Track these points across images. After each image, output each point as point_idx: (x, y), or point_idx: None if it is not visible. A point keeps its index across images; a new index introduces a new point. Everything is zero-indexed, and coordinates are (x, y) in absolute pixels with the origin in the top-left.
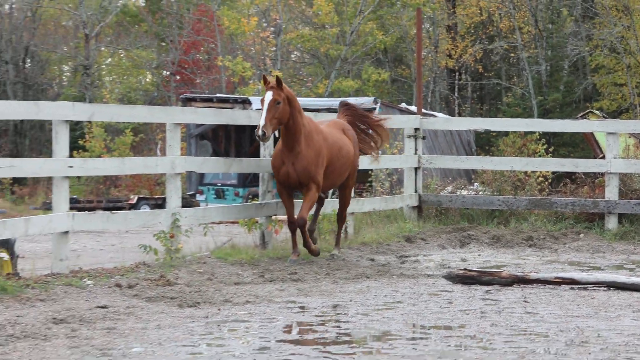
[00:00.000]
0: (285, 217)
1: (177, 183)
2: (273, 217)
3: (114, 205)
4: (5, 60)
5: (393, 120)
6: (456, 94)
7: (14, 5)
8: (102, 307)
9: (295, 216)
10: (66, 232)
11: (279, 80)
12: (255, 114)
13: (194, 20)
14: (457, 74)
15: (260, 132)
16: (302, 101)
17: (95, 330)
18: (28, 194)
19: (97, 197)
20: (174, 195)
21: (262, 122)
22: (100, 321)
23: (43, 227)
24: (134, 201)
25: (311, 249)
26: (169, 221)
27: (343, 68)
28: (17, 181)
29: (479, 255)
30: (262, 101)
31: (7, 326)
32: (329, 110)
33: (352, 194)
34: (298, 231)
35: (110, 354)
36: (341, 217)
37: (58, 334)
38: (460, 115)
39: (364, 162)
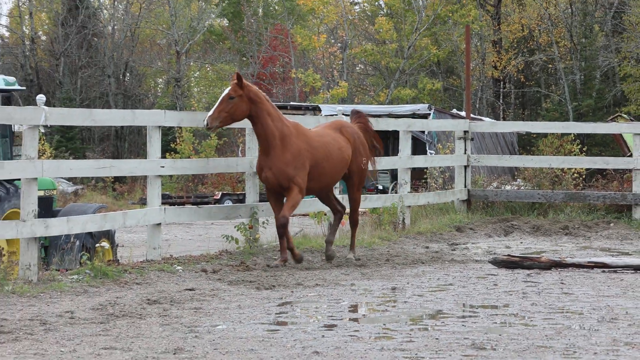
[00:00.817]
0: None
1: (255, 180)
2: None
3: (201, 200)
4: (108, 75)
5: (447, 124)
6: (501, 101)
7: (115, 27)
8: (190, 290)
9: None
10: (159, 224)
11: (238, 77)
12: (324, 119)
13: (271, 37)
14: (501, 83)
15: (205, 122)
16: (366, 108)
17: (184, 310)
18: (127, 190)
19: (186, 193)
20: (252, 191)
21: (210, 113)
22: (188, 302)
23: (139, 219)
24: (218, 197)
25: (294, 252)
26: (248, 214)
27: (401, 79)
28: (118, 179)
29: (521, 242)
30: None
31: (108, 306)
32: (389, 115)
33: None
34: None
35: (197, 331)
36: (352, 219)
37: (152, 313)
38: (504, 119)
39: (419, 161)
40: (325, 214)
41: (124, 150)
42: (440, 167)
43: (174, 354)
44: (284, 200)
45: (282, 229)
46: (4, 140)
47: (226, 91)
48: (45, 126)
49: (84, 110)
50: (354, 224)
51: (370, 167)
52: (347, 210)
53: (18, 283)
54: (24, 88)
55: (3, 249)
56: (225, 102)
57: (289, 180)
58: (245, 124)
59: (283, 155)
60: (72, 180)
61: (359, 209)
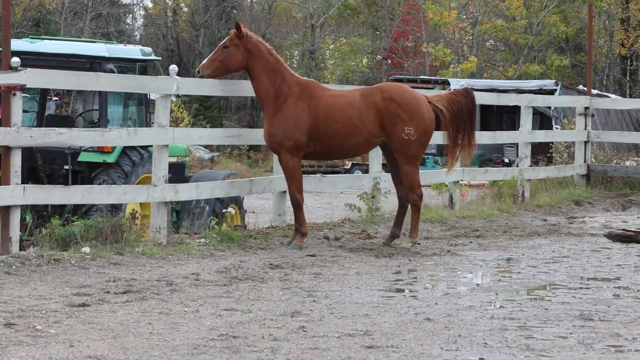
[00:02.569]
0: (477, 183)
1: (379, 151)
2: (460, 182)
3: (331, 170)
4: None
5: (567, 100)
6: (628, 78)
7: (253, 0)
8: (311, 256)
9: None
10: (284, 192)
11: (237, 26)
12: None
13: (403, 12)
14: (629, 60)
15: (197, 70)
16: (493, 82)
17: (304, 275)
18: (261, 158)
19: (317, 162)
20: (375, 162)
21: (204, 61)
22: (309, 267)
23: (265, 187)
24: (349, 166)
25: (302, 232)
26: (371, 184)
27: (530, 55)
28: (253, 148)
29: (638, 217)
30: None
31: (232, 269)
32: (517, 90)
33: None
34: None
35: (315, 295)
36: (410, 199)
37: (273, 277)
38: (631, 96)
39: (540, 136)
40: (447, 185)
41: (259, 119)
42: (565, 142)
43: (292, 316)
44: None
45: (295, 209)
46: (140, 108)
47: (222, 42)
48: (177, 95)
49: (213, 81)
50: (412, 204)
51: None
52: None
53: (148, 245)
54: (159, 58)
55: (137, 212)
56: (220, 51)
57: (278, 144)
58: None
59: (274, 117)
60: (208, 147)
61: (419, 190)
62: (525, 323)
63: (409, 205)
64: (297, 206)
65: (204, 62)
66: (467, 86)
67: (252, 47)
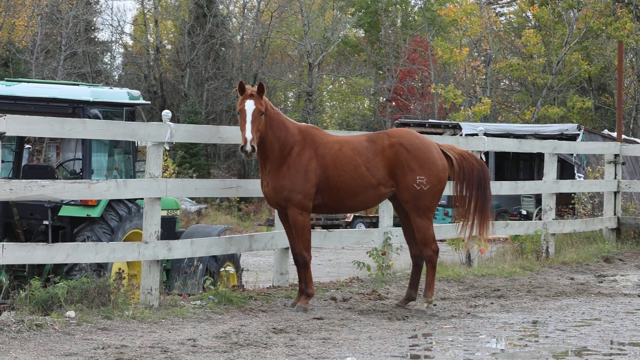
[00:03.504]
0: (493, 237)
1: (389, 203)
2: (478, 236)
3: (331, 223)
4: (235, 87)
5: (596, 146)
6: None
7: (244, 36)
8: (318, 319)
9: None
10: (287, 248)
11: (261, 88)
12: (464, 139)
13: (409, 50)
14: None
15: (249, 147)
16: (510, 127)
17: (311, 340)
18: (253, 210)
19: (316, 215)
20: (386, 215)
21: (248, 135)
22: (316, 332)
23: (266, 243)
24: (350, 219)
25: (308, 294)
26: (381, 239)
27: (549, 96)
28: (244, 199)
29: None
30: (242, 111)
31: (232, 334)
32: (535, 135)
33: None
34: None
35: None
36: (424, 255)
37: (277, 342)
38: None
39: (566, 186)
40: (463, 240)
41: (251, 168)
42: (589, 193)
43: None
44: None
45: (301, 268)
46: (127, 157)
47: (252, 106)
48: (170, 143)
49: (211, 127)
50: (427, 260)
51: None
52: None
53: (139, 308)
54: (149, 102)
55: (123, 271)
56: (258, 119)
57: (286, 199)
58: None
59: (279, 170)
60: (195, 199)
61: (434, 245)
62: None
63: (424, 263)
64: (305, 265)
65: (249, 135)
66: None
67: (267, 104)
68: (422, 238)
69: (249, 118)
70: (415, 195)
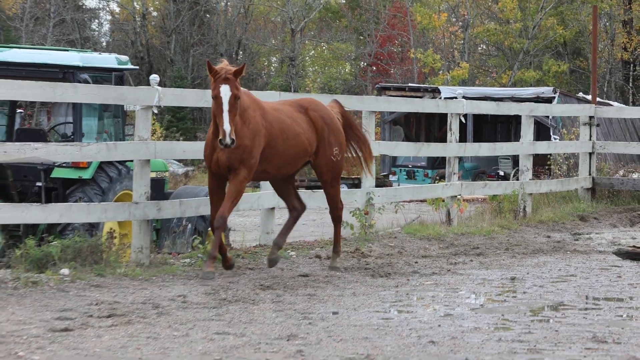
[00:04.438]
0: (470, 197)
1: (373, 165)
2: (458, 197)
3: (315, 184)
4: (220, 53)
5: (571, 109)
6: (631, 84)
7: (228, 3)
8: (303, 276)
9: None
10: (272, 208)
11: (238, 71)
12: (443, 102)
13: (389, 16)
14: (632, 65)
15: (228, 140)
16: (487, 90)
17: (297, 296)
18: None
19: (300, 176)
20: (368, 176)
21: (227, 127)
22: (302, 288)
23: (252, 203)
24: None
25: (226, 257)
26: (363, 199)
27: (525, 60)
28: None
29: None
30: (217, 97)
31: (221, 291)
32: (512, 99)
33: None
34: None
35: (310, 318)
36: (334, 216)
37: (265, 298)
38: (634, 104)
39: (542, 147)
40: (444, 200)
41: None
42: (564, 154)
43: (288, 340)
44: (227, 188)
45: (217, 231)
46: (116, 121)
47: (227, 92)
48: (158, 107)
49: (197, 91)
50: (336, 221)
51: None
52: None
53: (130, 266)
54: (137, 67)
55: (115, 230)
56: (235, 107)
57: (240, 161)
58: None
59: (241, 131)
60: (182, 161)
61: (340, 205)
62: (535, 346)
63: (333, 220)
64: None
65: (227, 127)
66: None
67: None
68: (334, 203)
69: (225, 107)
70: (331, 167)
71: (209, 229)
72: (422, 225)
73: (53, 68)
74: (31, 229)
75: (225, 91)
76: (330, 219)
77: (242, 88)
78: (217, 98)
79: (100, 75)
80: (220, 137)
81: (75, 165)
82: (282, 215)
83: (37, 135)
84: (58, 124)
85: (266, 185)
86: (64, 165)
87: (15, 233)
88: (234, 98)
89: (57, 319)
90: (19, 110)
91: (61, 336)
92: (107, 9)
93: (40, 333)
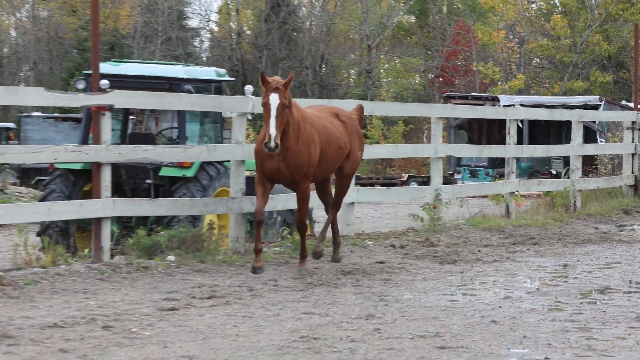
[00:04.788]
0: (527, 193)
1: (439, 165)
2: (516, 193)
3: (389, 182)
4: (305, 66)
5: (616, 115)
6: None
7: (313, 23)
8: (379, 263)
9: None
10: (352, 203)
11: (287, 82)
12: (502, 109)
13: (454, 33)
14: None
15: (272, 144)
16: (540, 99)
17: (374, 281)
18: None
19: (375, 175)
20: (436, 174)
21: (272, 132)
22: (378, 274)
23: None
24: (405, 178)
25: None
26: (432, 195)
27: (574, 72)
28: None
29: None
30: (266, 105)
31: (307, 276)
32: (563, 106)
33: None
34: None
35: (386, 300)
36: (336, 206)
37: (346, 282)
38: None
39: (590, 149)
40: (503, 196)
41: None
42: (609, 155)
43: (366, 319)
44: (296, 198)
45: (301, 233)
46: (215, 126)
47: (276, 100)
48: (252, 113)
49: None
50: (336, 210)
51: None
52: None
53: (227, 253)
54: (233, 79)
55: (214, 222)
56: (282, 114)
57: (303, 175)
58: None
59: (298, 147)
60: None
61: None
62: (585, 325)
63: (332, 208)
64: (306, 229)
65: (273, 131)
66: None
67: (289, 94)
68: (342, 193)
69: (273, 113)
70: (355, 167)
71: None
72: (484, 218)
73: (161, 80)
74: (142, 220)
75: (274, 99)
76: (401, 213)
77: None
78: (266, 105)
79: (202, 86)
80: (265, 141)
81: (180, 165)
82: (360, 209)
83: (147, 139)
84: (165, 128)
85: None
86: (170, 165)
87: (128, 224)
88: (282, 106)
89: (164, 299)
90: (131, 117)
91: (168, 315)
92: (208, 28)
93: (150, 312)
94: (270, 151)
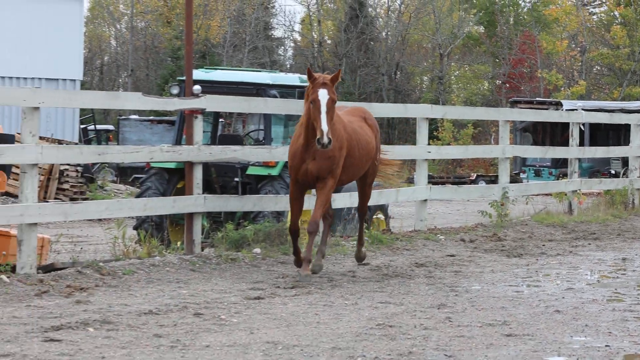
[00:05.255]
0: (588, 191)
1: (506, 165)
2: (578, 191)
3: (458, 180)
4: (382, 73)
5: None
6: None
7: (389, 33)
8: (450, 256)
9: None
10: (425, 200)
11: (335, 77)
12: (565, 113)
13: (520, 42)
14: None
15: (325, 140)
16: (601, 104)
17: (445, 273)
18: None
19: (446, 174)
20: (504, 173)
21: (325, 128)
22: (449, 266)
23: (409, 196)
24: (474, 178)
25: (309, 258)
26: (500, 193)
27: (632, 79)
28: None
29: None
30: (315, 101)
31: (383, 268)
32: (622, 110)
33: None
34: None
35: (457, 290)
36: (362, 210)
37: (419, 274)
38: None
39: None
40: (566, 194)
41: (394, 137)
42: None
43: (438, 308)
44: (317, 196)
45: (311, 235)
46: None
47: (325, 95)
48: None
49: (364, 104)
50: (363, 214)
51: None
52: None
53: None
54: None
55: None
56: (332, 110)
57: (329, 172)
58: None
59: (332, 145)
60: None
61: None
62: None
63: (358, 216)
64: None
65: (324, 127)
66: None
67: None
68: (365, 199)
69: (323, 109)
70: (376, 170)
71: (373, 216)
72: (548, 215)
73: (248, 86)
74: (230, 215)
75: (323, 95)
76: (470, 209)
77: None
78: (315, 101)
79: (286, 91)
80: (318, 137)
81: (266, 164)
82: (431, 206)
83: (235, 140)
84: (252, 130)
85: (420, 181)
86: (256, 164)
87: (218, 219)
88: (332, 102)
89: (251, 289)
90: (220, 120)
91: (254, 303)
92: (291, 37)
93: (237, 300)
94: (323, 147)
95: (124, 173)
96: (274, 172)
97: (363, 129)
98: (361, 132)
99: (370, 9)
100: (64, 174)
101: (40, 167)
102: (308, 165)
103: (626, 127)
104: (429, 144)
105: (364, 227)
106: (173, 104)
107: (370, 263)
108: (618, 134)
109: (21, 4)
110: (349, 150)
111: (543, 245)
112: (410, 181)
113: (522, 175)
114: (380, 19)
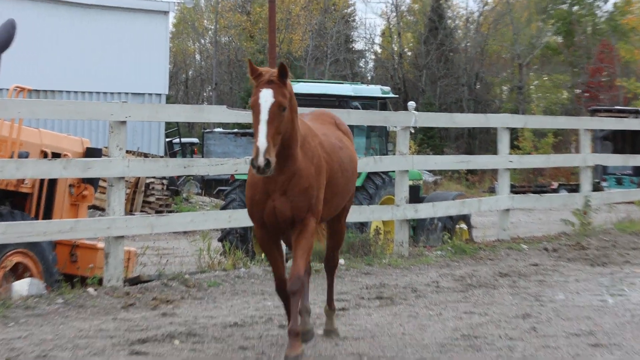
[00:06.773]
0: None
1: (588, 173)
2: None
3: (540, 190)
4: (462, 84)
5: None
6: None
7: (468, 44)
8: (534, 265)
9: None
10: (507, 210)
11: (283, 70)
12: None
13: (598, 51)
14: None
15: (261, 161)
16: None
17: (529, 282)
18: (477, 180)
19: (527, 183)
20: (585, 182)
21: (262, 144)
22: (533, 275)
23: (491, 205)
24: (555, 186)
25: (298, 331)
26: (582, 202)
27: None
28: (470, 171)
29: None
30: (254, 105)
31: (467, 277)
32: None
33: None
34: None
35: (541, 300)
36: (333, 259)
37: (503, 284)
38: None
39: None
40: None
41: (474, 147)
42: None
43: (523, 319)
44: (295, 243)
45: (294, 296)
46: (381, 139)
47: (270, 98)
48: (414, 127)
49: (446, 115)
50: (334, 266)
51: None
52: None
53: (393, 257)
54: (397, 96)
55: (380, 228)
56: (278, 118)
57: (308, 209)
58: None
59: (306, 170)
60: (432, 171)
61: None
62: None
63: (328, 269)
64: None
65: (263, 144)
66: None
67: (291, 91)
68: (340, 240)
69: (264, 116)
70: (353, 193)
71: (456, 226)
72: (632, 223)
73: (331, 97)
74: None
75: (266, 97)
76: (552, 218)
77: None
78: (255, 106)
79: (368, 103)
80: (252, 157)
81: None
82: (513, 215)
83: None
84: None
85: (503, 191)
86: None
87: None
88: (278, 107)
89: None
90: None
91: (339, 314)
92: (372, 50)
93: (322, 312)
94: (259, 173)
95: (209, 185)
96: (357, 183)
97: (342, 141)
98: (341, 146)
99: (449, 21)
100: (150, 187)
101: (126, 180)
102: (275, 202)
103: None
104: (509, 154)
105: (335, 283)
106: None
107: (454, 273)
108: None
109: (109, 21)
110: (330, 174)
111: (627, 253)
112: (492, 190)
113: (603, 184)
114: (459, 31)
